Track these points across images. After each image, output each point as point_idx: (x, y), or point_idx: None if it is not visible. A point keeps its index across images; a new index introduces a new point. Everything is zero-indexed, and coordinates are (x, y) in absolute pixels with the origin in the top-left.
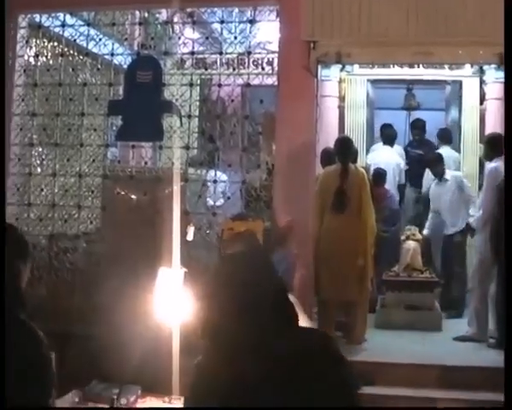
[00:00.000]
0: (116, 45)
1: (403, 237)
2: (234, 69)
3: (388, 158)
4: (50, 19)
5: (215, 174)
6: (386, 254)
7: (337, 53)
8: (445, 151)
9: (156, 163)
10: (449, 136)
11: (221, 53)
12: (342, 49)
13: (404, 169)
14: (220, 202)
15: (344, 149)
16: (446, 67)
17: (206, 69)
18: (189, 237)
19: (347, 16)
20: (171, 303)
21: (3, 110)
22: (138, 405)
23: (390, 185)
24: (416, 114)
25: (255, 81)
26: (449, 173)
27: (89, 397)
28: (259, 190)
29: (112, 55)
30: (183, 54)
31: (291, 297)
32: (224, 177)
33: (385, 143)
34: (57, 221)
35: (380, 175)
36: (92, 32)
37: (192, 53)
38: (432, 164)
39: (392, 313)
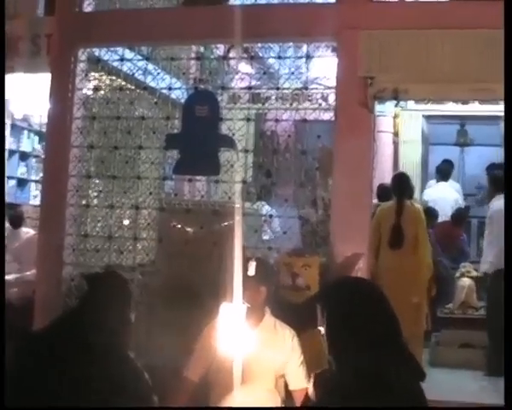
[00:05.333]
0: (174, 80)
1: (457, 275)
2: (290, 104)
3: (446, 194)
4: (109, 53)
5: (271, 209)
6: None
7: (394, 89)
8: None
9: (211, 197)
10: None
11: (278, 88)
12: (400, 85)
13: (462, 204)
14: (276, 236)
15: (400, 186)
16: (501, 102)
17: (262, 104)
18: (251, 272)
19: (405, 52)
20: (233, 338)
21: (3, 113)
22: None
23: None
24: (470, 151)
25: (311, 116)
26: (494, 202)
27: None
28: (316, 225)
29: (169, 89)
30: (240, 89)
31: None
32: (279, 211)
33: (442, 178)
34: (113, 253)
35: (460, 215)
36: (150, 66)
37: (249, 88)
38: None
39: (447, 350)
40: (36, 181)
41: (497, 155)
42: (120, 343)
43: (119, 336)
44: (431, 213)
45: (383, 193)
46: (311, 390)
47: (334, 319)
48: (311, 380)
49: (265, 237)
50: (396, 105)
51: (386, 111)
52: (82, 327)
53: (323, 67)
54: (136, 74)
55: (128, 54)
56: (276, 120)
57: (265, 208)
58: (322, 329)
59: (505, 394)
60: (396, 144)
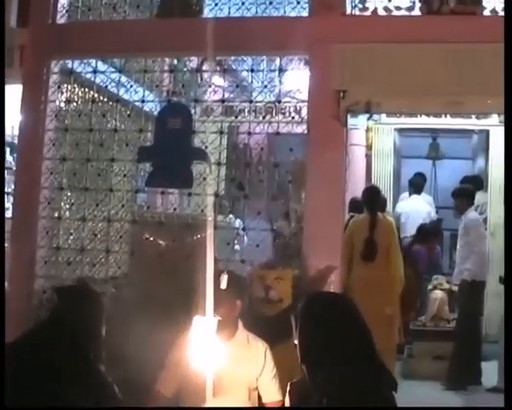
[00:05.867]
0: (147, 92)
1: (430, 287)
2: (263, 117)
3: (419, 207)
4: (82, 65)
5: (244, 222)
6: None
7: (367, 102)
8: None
9: (183, 209)
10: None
11: (251, 101)
12: (372, 98)
13: (434, 217)
14: (249, 249)
15: (372, 199)
16: (473, 116)
17: (235, 117)
18: (223, 285)
19: (378, 65)
20: (204, 351)
21: (3, 113)
22: None
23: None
24: (442, 164)
25: (284, 129)
26: (469, 214)
27: None
28: (288, 238)
29: (142, 101)
30: (213, 101)
31: None
32: (252, 224)
33: (414, 191)
34: (85, 265)
35: (433, 228)
36: (123, 78)
37: (222, 101)
38: (455, 196)
39: (420, 363)
40: (7, 193)
41: (469, 167)
42: (90, 357)
43: (89, 350)
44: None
45: (355, 207)
46: (286, 399)
47: (308, 331)
48: (288, 389)
49: (238, 250)
50: (369, 118)
51: (358, 124)
52: (51, 340)
53: (296, 80)
54: (108, 86)
55: (101, 66)
56: (249, 133)
57: (238, 221)
58: (296, 341)
59: (505, 395)
60: (369, 157)
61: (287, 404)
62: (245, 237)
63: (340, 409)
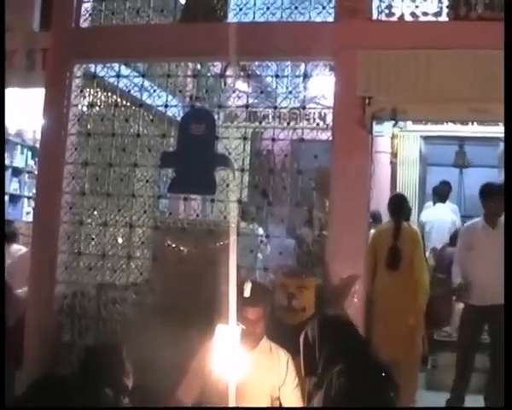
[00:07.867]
0: (170, 97)
1: (455, 298)
2: (288, 123)
3: (443, 215)
4: (105, 69)
5: (267, 229)
6: None
7: (393, 109)
8: None
9: (206, 216)
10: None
11: (275, 107)
12: (398, 105)
13: (459, 226)
14: (272, 257)
15: (397, 207)
16: (500, 124)
17: (259, 123)
18: (246, 293)
19: (403, 72)
20: (227, 360)
21: (3, 111)
22: None
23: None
24: (468, 172)
25: (308, 136)
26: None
27: None
28: (311, 245)
29: (166, 106)
30: (237, 107)
31: None
32: (276, 232)
33: (439, 200)
34: (106, 271)
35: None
36: (146, 83)
37: (246, 106)
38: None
39: (444, 374)
40: (29, 197)
41: (496, 176)
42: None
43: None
44: None
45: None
46: None
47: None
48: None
49: (261, 258)
50: (394, 125)
51: (383, 131)
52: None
53: (321, 86)
54: (132, 91)
55: (124, 70)
56: (273, 140)
57: (261, 228)
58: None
59: (505, 395)
60: (394, 165)
61: None
62: (268, 245)
63: (340, 409)
